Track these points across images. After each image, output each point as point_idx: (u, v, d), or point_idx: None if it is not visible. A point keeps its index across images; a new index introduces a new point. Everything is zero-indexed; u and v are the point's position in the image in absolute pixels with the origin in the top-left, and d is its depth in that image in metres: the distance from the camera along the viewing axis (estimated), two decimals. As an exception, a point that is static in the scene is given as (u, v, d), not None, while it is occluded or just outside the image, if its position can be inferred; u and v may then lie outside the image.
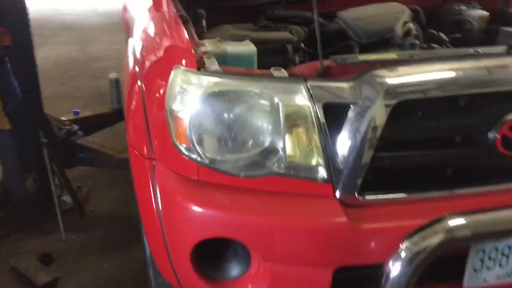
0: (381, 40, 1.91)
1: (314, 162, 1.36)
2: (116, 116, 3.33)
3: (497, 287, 1.45)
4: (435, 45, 1.91)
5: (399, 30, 1.92)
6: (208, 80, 1.37)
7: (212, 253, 1.46)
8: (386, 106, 1.31)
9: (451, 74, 1.38)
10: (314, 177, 1.36)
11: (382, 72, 1.36)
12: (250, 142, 1.37)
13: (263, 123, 1.36)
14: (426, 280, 1.41)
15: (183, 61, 1.46)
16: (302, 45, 1.86)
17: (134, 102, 1.72)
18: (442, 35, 2.00)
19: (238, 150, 1.38)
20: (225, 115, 1.36)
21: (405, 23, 1.97)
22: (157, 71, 1.63)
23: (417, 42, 1.89)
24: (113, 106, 3.45)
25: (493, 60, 1.44)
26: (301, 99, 1.33)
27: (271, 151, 1.37)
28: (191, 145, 1.39)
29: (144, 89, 1.67)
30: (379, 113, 1.30)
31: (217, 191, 1.40)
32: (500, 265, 1.43)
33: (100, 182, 3.29)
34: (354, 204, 1.36)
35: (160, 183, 1.49)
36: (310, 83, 1.34)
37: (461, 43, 2.00)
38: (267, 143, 1.36)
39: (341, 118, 1.33)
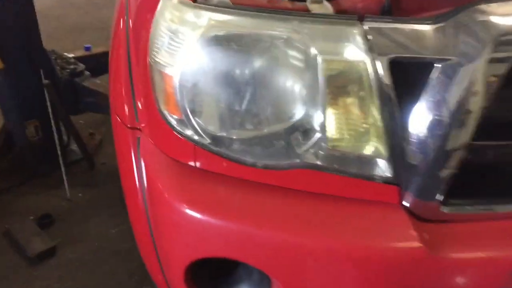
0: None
1: (370, 149, 0.87)
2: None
3: None
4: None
5: None
6: (209, 18, 0.87)
7: (216, 268, 1.03)
8: (497, 64, 0.78)
9: None
10: (371, 173, 0.87)
11: (489, 7, 0.82)
12: (272, 114, 0.89)
13: (292, 87, 0.86)
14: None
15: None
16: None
17: (116, 47, 1.24)
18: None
19: (253, 126, 0.90)
20: (235, 72, 0.87)
21: None
22: (146, 1, 1.13)
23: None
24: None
25: None
26: (354, 52, 0.82)
27: (303, 130, 0.88)
28: (184, 116, 0.92)
29: (129, 28, 1.19)
30: (485, 76, 0.78)
31: (222, 188, 0.94)
32: None
33: (115, 129, 2.88)
34: (431, 217, 0.88)
35: (146, 166, 1.04)
36: (369, 26, 0.82)
37: None
38: (297, 117, 0.87)
39: (419, 82, 0.82)
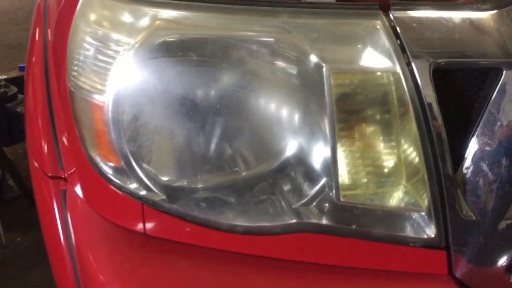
0: None
1: (402, 200, 0.59)
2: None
3: None
4: None
5: None
6: (154, 16, 0.58)
7: None
8: None
9: None
10: (404, 234, 0.60)
11: None
12: (254, 154, 0.60)
13: (283, 112, 0.58)
14: None
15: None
16: None
17: (32, 67, 0.93)
18: None
19: (227, 169, 0.61)
20: (197, 94, 0.58)
21: None
22: (68, 1, 0.82)
23: None
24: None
25: None
26: (377, 57, 0.54)
27: (300, 175, 0.60)
28: (123, 163, 0.62)
29: (48, 40, 0.87)
30: None
31: (187, 267, 0.64)
32: None
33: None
34: (490, 289, 0.61)
35: (76, 234, 0.73)
36: (397, 17, 0.54)
37: None
38: (290, 157, 0.59)
39: (473, 97, 0.55)
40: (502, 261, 0.59)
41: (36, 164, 0.82)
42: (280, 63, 0.56)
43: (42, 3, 0.95)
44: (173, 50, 0.57)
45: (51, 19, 0.89)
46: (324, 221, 0.60)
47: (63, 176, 0.77)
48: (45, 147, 0.80)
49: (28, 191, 2.22)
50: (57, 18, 0.86)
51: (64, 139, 0.78)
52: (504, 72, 0.52)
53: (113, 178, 0.65)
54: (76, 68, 0.63)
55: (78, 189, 0.75)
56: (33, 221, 2.11)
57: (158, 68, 0.57)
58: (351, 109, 0.56)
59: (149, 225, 0.66)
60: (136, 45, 0.57)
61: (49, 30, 0.89)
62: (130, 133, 0.60)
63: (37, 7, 1.00)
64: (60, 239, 0.76)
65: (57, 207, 0.77)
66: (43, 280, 1.85)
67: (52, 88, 0.81)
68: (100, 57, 0.60)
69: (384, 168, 0.58)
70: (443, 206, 0.57)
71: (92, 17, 0.62)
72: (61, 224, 0.76)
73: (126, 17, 0.59)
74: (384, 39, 0.53)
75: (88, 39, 0.62)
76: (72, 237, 0.74)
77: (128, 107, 0.59)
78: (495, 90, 0.53)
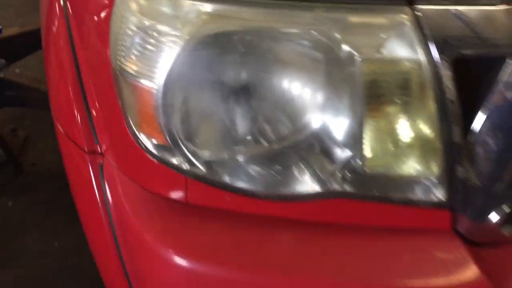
0: None
1: (419, 169, 0.68)
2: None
3: None
4: None
5: None
6: (201, 10, 0.64)
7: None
8: None
9: None
10: (418, 198, 0.70)
11: None
12: (290, 131, 0.68)
13: (318, 95, 0.66)
14: None
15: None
16: None
17: (53, 34, 0.96)
18: None
19: (264, 142, 0.69)
20: (240, 81, 0.65)
21: None
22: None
23: None
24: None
25: None
26: (402, 47, 0.62)
27: (329, 147, 0.68)
28: (170, 141, 0.69)
29: (69, 11, 0.90)
30: None
31: (225, 229, 0.73)
32: None
33: (41, 121, 2.51)
34: (487, 241, 0.73)
35: (117, 203, 0.80)
36: (421, 11, 0.62)
37: None
38: (321, 131, 0.67)
39: (487, 83, 0.64)
40: (497, 218, 0.70)
41: (68, 138, 0.87)
42: (316, 52, 0.64)
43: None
44: (219, 41, 0.63)
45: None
46: (349, 189, 0.69)
47: (99, 151, 0.83)
48: (79, 122, 0.85)
49: (15, 157, 2.23)
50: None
51: (97, 114, 0.84)
52: (506, 60, 0.62)
53: (158, 154, 0.72)
54: (122, 53, 0.69)
55: (113, 164, 0.82)
56: (23, 185, 2.15)
57: (204, 59, 0.64)
58: (377, 92, 0.64)
59: (190, 195, 0.74)
60: (185, 37, 0.63)
61: (68, 3, 0.91)
62: (178, 116, 0.67)
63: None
64: (99, 211, 0.83)
65: (95, 180, 0.84)
66: (38, 243, 1.90)
67: (80, 62, 0.85)
68: (147, 46, 0.66)
69: (404, 143, 0.68)
70: (451, 172, 0.67)
71: (135, 7, 0.67)
72: (99, 196, 0.83)
73: (172, 9, 0.65)
74: (410, 31, 0.61)
75: (133, 27, 0.67)
76: (112, 208, 0.81)
77: (177, 93, 0.65)
78: (501, 75, 0.63)
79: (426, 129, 0.66)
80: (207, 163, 0.70)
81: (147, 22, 0.66)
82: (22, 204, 2.08)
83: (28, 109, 2.49)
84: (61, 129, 0.93)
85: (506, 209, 0.69)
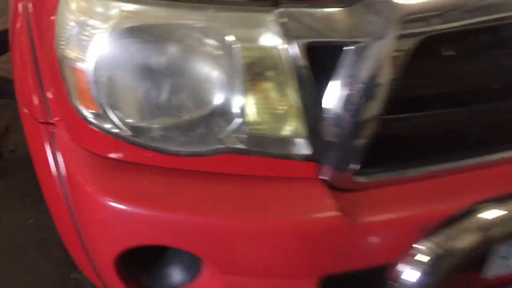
0: None
1: (290, 130, 0.91)
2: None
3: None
4: None
5: None
6: (120, 8, 0.85)
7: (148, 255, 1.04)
8: (403, 43, 0.84)
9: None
10: (291, 152, 0.92)
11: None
12: (192, 102, 0.90)
13: (211, 74, 0.87)
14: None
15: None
16: None
17: (18, 30, 1.17)
18: None
19: (174, 114, 0.90)
20: (152, 63, 0.86)
21: None
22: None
23: None
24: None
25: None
26: (269, 38, 0.84)
27: (224, 116, 0.90)
28: (100, 109, 0.90)
29: (29, 11, 1.11)
30: (391, 55, 0.84)
31: (148, 178, 0.94)
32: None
33: (20, 112, 2.71)
34: (348, 187, 0.95)
35: (66, 162, 1.01)
36: (282, 11, 0.84)
37: None
38: (216, 103, 0.89)
39: (332, 64, 0.87)
40: (352, 168, 0.92)
41: (27, 111, 1.08)
42: (209, 41, 0.85)
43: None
44: (134, 32, 0.84)
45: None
46: (241, 146, 0.91)
47: (51, 122, 1.04)
48: (35, 99, 1.06)
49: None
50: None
51: (50, 93, 1.05)
52: (347, 46, 0.84)
53: (93, 121, 0.93)
54: (63, 42, 0.90)
55: (63, 132, 1.03)
56: (1, 170, 2.34)
57: (124, 45, 0.85)
58: (254, 72, 0.86)
59: (120, 153, 0.95)
60: (108, 29, 0.84)
61: (29, 5, 1.12)
62: (105, 90, 0.88)
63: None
64: (51, 171, 1.04)
65: (48, 145, 1.04)
66: (17, 219, 2.10)
67: (37, 52, 1.06)
68: (81, 36, 0.87)
69: (279, 110, 0.89)
70: (311, 133, 0.89)
71: (74, 6, 0.88)
72: (53, 159, 1.04)
73: (100, 8, 0.86)
74: (273, 26, 0.83)
75: (71, 22, 0.88)
76: (63, 167, 1.02)
77: (103, 72, 0.87)
78: (342, 57, 0.85)
79: (292, 101, 0.88)
80: (132, 128, 0.92)
81: (82, 18, 0.87)
82: (0, 187, 2.27)
83: (10, 100, 2.69)
84: (24, 111, 1.13)
85: (357, 162, 0.91)
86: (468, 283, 1.10)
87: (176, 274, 1.04)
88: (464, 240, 0.89)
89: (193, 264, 1.01)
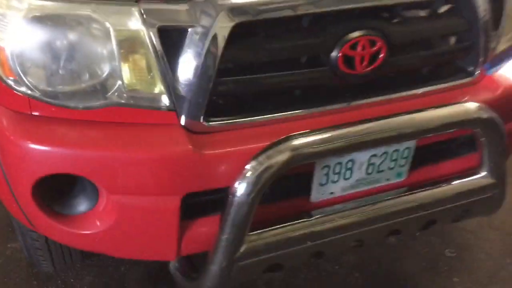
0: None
1: (155, 90, 1.29)
2: None
3: (343, 198, 1.55)
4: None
5: None
6: (28, 3, 1.22)
7: (60, 189, 1.40)
8: (225, 28, 1.25)
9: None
10: (157, 105, 1.31)
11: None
12: (84, 71, 1.27)
13: (96, 51, 1.25)
14: (274, 198, 1.48)
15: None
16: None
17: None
18: None
19: (72, 81, 1.27)
20: (52, 43, 1.23)
21: None
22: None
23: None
24: None
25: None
26: (134, 23, 1.23)
27: (108, 80, 1.27)
28: (17, 77, 1.26)
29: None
30: (217, 36, 1.24)
31: (53, 126, 1.30)
32: (345, 178, 1.51)
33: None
34: (200, 130, 1.34)
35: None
36: (143, 6, 1.23)
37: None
38: (102, 72, 1.27)
39: (180, 42, 1.26)
40: (199, 116, 1.32)
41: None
42: (94, 26, 1.23)
43: None
44: (40, 20, 1.21)
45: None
46: (121, 101, 1.29)
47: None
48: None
49: None
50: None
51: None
52: (188, 30, 1.24)
53: (13, 85, 1.28)
54: None
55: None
56: None
57: (32, 29, 1.22)
58: (126, 48, 1.24)
59: (33, 110, 1.31)
60: (20, 17, 1.21)
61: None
62: (20, 62, 1.24)
63: None
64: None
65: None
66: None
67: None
68: (1, 23, 1.23)
69: (147, 76, 1.28)
70: (170, 91, 1.28)
71: (-3, 1, 1.25)
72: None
73: (15, 3, 1.22)
74: (137, 15, 1.22)
75: None
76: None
77: (18, 49, 1.23)
78: (186, 38, 1.25)
79: (154, 68, 1.26)
80: (41, 91, 1.28)
81: (1, 10, 1.23)
82: None
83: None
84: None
85: (202, 112, 1.31)
86: (300, 206, 1.51)
87: (82, 202, 1.40)
88: (278, 157, 1.30)
89: (93, 193, 1.37)
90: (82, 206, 1.40)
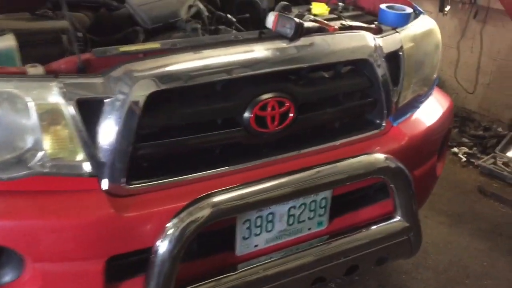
0: (166, 24, 1.94)
1: (77, 158, 1.37)
2: None
3: (268, 250, 1.62)
4: (222, 27, 1.99)
5: (184, 14, 1.96)
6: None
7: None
8: (139, 97, 1.35)
9: (205, 62, 1.46)
10: (79, 172, 1.38)
11: (132, 64, 1.40)
12: (7, 144, 1.34)
13: (19, 124, 1.33)
14: (200, 255, 1.54)
15: None
16: (81, 34, 1.82)
17: None
18: (230, 16, 2.08)
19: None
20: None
21: (190, 6, 2.02)
22: None
23: (198, 26, 1.94)
24: None
25: (245, 46, 1.55)
26: (54, 97, 1.32)
27: (31, 151, 1.34)
28: None
29: None
30: (133, 105, 1.35)
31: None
32: (267, 231, 1.60)
33: None
34: (123, 193, 1.41)
35: None
36: (62, 80, 1.33)
37: (250, 23, 2.11)
38: (26, 144, 1.34)
39: (99, 112, 1.35)
40: (123, 180, 1.39)
41: None
42: (16, 101, 1.31)
43: None
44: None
45: None
46: (44, 170, 1.35)
47: None
48: None
49: None
50: None
51: None
52: (104, 101, 1.34)
53: None
54: None
55: None
56: None
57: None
58: (46, 120, 1.32)
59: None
60: None
61: None
62: None
63: None
64: None
65: None
66: None
67: None
68: None
69: (69, 145, 1.36)
70: (92, 158, 1.35)
71: None
72: None
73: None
74: (56, 89, 1.30)
75: None
76: None
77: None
78: (104, 108, 1.34)
79: (75, 138, 1.34)
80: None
81: None
82: None
83: None
84: None
85: (123, 177, 1.38)
86: (226, 261, 1.57)
87: (8, 273, 1.42)
88: (198, 213, 1.37)
89: (19, 262, 1.40)
90: (7, 276, 1.42)
